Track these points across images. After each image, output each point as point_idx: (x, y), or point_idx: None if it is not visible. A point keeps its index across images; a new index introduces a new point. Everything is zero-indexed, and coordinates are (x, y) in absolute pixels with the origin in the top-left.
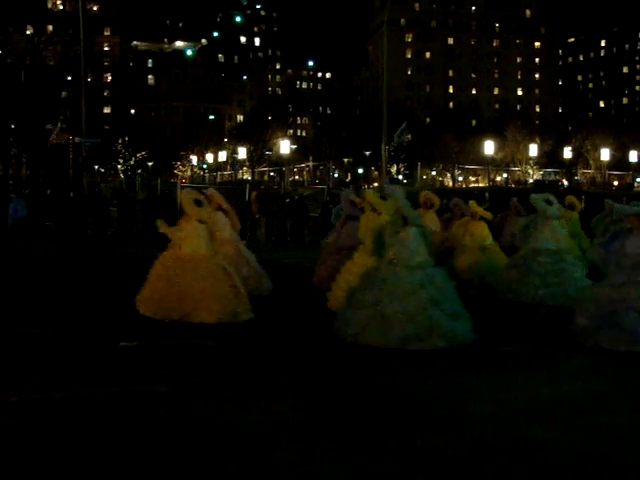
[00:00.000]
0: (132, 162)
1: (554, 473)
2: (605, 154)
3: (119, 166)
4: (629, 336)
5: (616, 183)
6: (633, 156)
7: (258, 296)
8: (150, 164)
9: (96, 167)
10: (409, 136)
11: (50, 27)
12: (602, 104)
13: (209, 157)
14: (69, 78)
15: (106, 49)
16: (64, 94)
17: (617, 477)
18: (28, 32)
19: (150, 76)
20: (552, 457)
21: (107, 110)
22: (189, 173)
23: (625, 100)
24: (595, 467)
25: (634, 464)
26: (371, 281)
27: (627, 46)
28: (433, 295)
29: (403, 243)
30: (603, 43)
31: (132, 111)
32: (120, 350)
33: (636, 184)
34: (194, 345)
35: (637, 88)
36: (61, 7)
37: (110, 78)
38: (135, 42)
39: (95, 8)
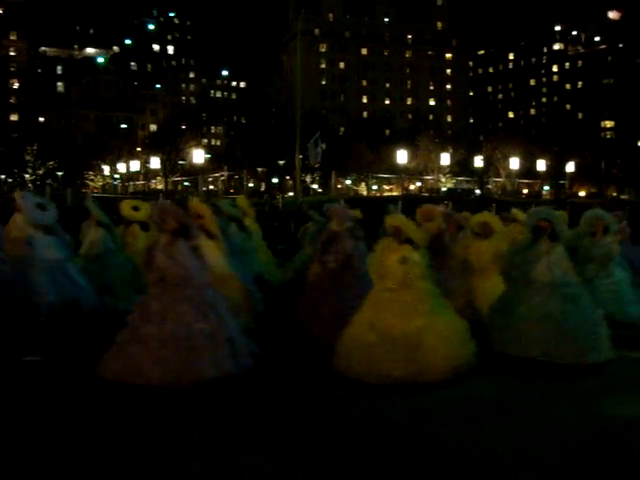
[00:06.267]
0: (41, 172)
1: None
2: (514, 163)
3: (27, 176)
4: None
5: (525, 191)
6: (541, 165)
7: None
8: (60, 174)
9: (2, 177)
10: (323, 145)
11: None
12: (511, 115)
13: (121, 167)
14: None
15: (12, 54)
16: None
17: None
18: None
19: (59, 83)
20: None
21: (14, 117)
22: (101, 183)
23: (533, 111)
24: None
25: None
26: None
27: (534, 59)
28: None
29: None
30: (511, 56)
31: (41, 119)
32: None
33: (544, 192)
34: None
35: (543, 100)
36: None
37: (17, 84)
38: (43, 47)
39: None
